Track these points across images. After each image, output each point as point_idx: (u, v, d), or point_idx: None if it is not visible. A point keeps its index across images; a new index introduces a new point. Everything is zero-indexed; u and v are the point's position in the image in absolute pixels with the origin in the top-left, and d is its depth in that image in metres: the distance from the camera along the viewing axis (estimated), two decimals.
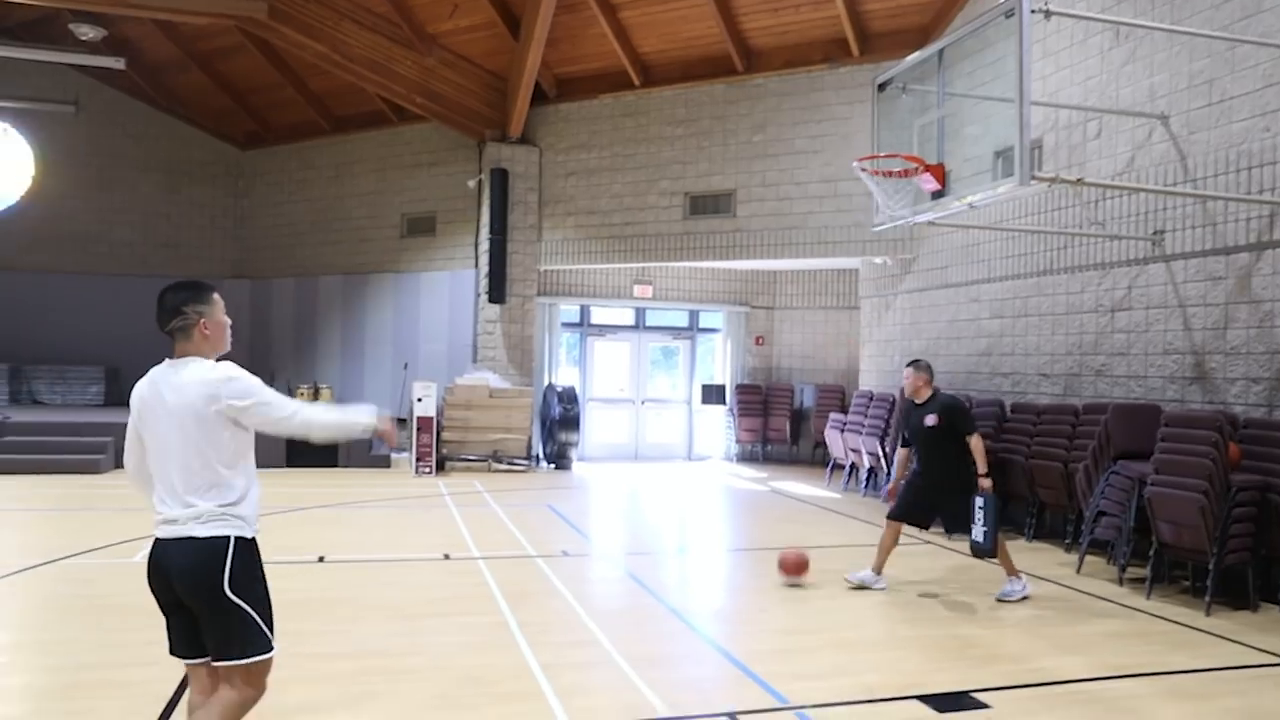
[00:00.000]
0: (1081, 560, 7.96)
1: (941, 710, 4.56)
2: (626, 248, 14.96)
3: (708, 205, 14.43)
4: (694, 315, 17.23)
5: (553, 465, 15.06)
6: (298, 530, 9.16)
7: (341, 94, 16.92)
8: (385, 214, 17.15)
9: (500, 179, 15.09)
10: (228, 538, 3.16)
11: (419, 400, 13.63)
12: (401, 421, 15.73)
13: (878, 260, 13.38)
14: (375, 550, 8.25)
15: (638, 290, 16.50)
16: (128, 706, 4.36)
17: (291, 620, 5.89)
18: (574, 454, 15.14)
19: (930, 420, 6.88)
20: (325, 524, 9.60)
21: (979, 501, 6.73)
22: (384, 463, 14.50)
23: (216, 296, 3.36)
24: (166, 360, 3.31)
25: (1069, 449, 8.83)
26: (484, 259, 15.39)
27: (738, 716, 4.41)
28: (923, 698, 4.70)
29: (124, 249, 18.65)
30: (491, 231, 15.06)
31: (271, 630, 3.23)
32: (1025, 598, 6.81)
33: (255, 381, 3.29)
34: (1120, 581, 7.39)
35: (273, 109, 18.15)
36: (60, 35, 16.35)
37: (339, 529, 9.36)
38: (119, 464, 13.19)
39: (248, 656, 3.16)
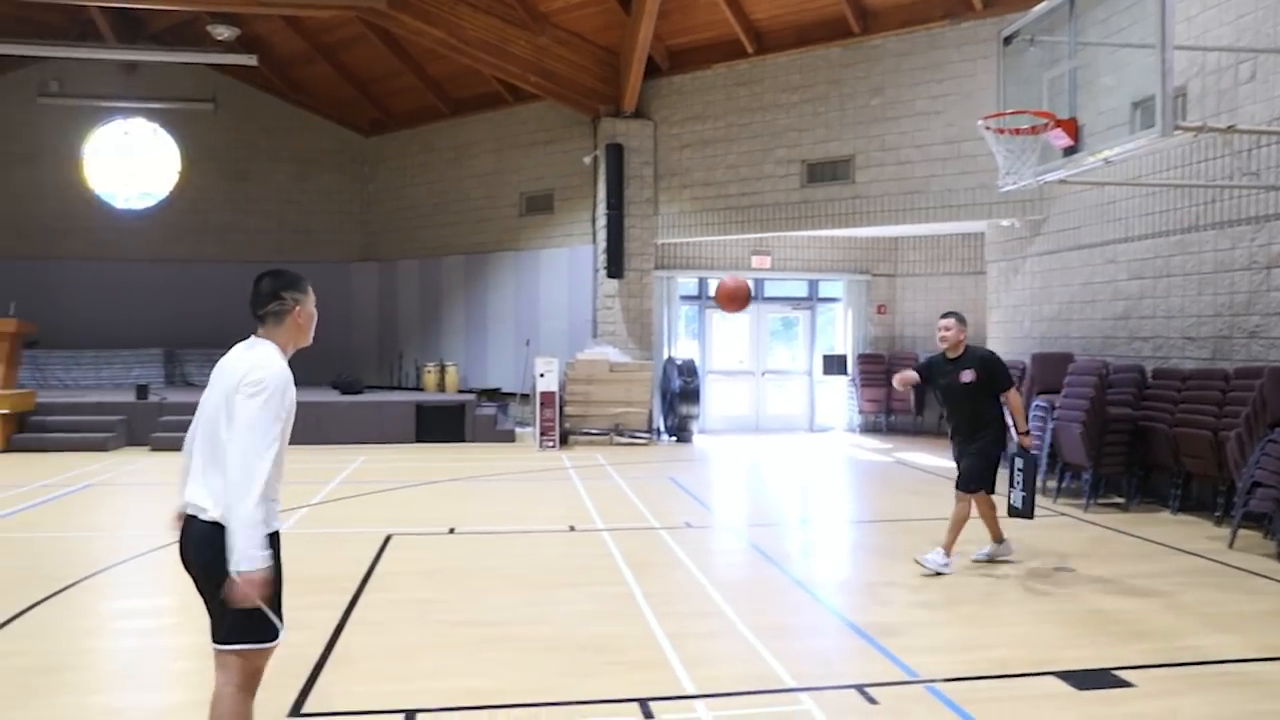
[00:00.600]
0: (1234, 534, 7.52)
1: (1081, 688, 4.39)
2: (743, 218, 14.83)
3: (825, 172, 14.15)
4: (813, 285, 16.97)
5: (674, 438, 15.14)
6: (428, 503, 9.50)
7: (459, 77, 17.27)
8: (504, 193, 17.47)
9: (615, 154, 15.16)
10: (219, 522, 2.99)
11: (541, 376, 13.89)
12: (525, 397, 16.10)
13: (1005, 223, 12.87)
14: (503, 522, 8.47)
15: (755, 261, 16.35)
16: (280, 666, 4.60)
17: (423, 589, 6.15)
18: (695, 427, 15.18)
19: (967, 376, 6.49)
20: (454, 497, 9.91)
21: (1018, 463, 6.59)
22: (509, 437, 14.85)
23: (311, 288, 3.43)
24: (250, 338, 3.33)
25: (1219, 416, 8.33)
26: (601, 234, 15.52)
27: (865, 689, 4.36)
28: (1060, 674, 4.54)
29: (260, 236, 19.58)
30: (608, 207, 15.17)
31: (280, 621, 3.09)
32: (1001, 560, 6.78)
33: (274, 398, 3.08)
34: (1278, 557, 6.95)
35: (393, 96, 18.68)
36: (199, 37, 17.24)
37: (467, 501, 9.65)
38: None
39: (245, 643, 3.06)
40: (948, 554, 6.50)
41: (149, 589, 6.03)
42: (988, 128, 7.98)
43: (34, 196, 18.99)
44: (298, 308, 3.38)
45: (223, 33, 16.69)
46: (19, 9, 16.71)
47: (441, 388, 16.61)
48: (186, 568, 3.16)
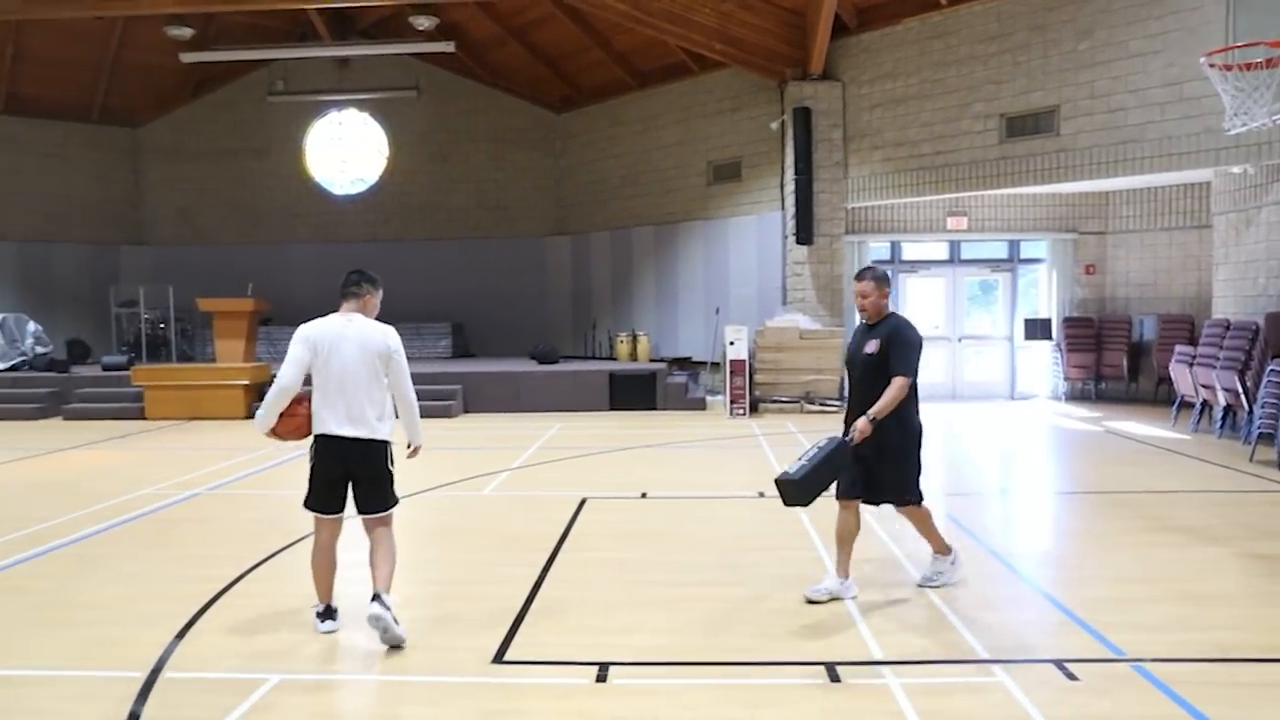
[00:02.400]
0: None
1: None
2: (938, 178, 14.26)
3: (1026, 125, 13.37)
4: (1014, 246, 16.12)
5: None
6: (622, 468, 9.80)
7: (645, 49, 17.45)
8: (691, 163, 17.57)
9: (803, 118, 14.92)
10: (389, 440, 4.80)
11: (731, 344, 13.95)
12: (715, 366, 16.23)
13: (1236, 169, 11.74)
14: (694, 488, 8.64)
15: (951, 223, 15.70)
16: (485, 617, 4.95)
17: (619, 550, 6.39)
18: None
19: (871, 347, 5.18)
20: (646, 463, 10.18)
21: (824, 442, 5.17)
22: (699, 405, 15.04)
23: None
24: (339, 313, 4.90)
25: None
26: (790, 200, 15.35)
27: (1065, 664, 4.20)
28: None
29: (460, 214, 20.62)
30: (796, 172, 14.97)
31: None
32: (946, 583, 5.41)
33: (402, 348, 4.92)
34: None
35: (582, 71, 19.10)
36: (402, 29, 18.24)
37: (659, 467, 9.89)
38: (469, 408, 14.78)
39: (389, 509, 4.83)
40: (946, 552, 5.45)
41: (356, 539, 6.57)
42: (1212, 64, 7.31)
43: (265, 187, 20.81)
44: (369, 295, 5.08)
45: (423, 23, 17.61)
46: (251, 17, 18.30)
47: (633, 357, 17.00)
48: (337, 469, 4.74)
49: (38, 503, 8.15)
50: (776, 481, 5.11)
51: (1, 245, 19.26)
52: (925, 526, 5.42)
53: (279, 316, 18.44)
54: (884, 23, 14.67)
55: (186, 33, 17.82)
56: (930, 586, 5.38)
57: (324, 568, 4.84)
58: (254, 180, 20.84)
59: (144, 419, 14.45)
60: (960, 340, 16.27)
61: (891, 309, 5.33)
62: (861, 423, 5.01)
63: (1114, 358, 15.02)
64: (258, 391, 14.79)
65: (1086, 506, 7.79)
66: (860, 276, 5.31)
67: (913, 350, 5.17)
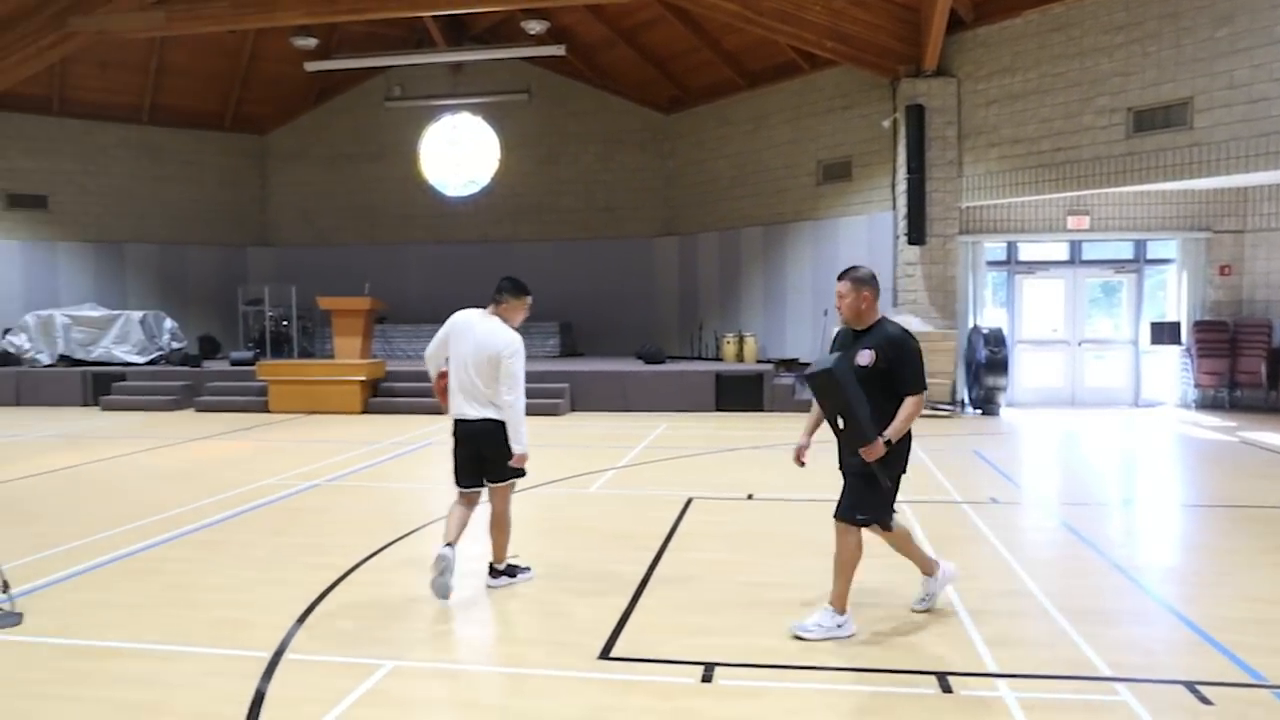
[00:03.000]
0: None
1: None
2: (1058, 176, 13.73)
3: (1156, 119, 12.75)
4: (1140, 246, 15.39)
5: (978, 410, 14.43)
6: (728, 469, 9.76)
7: (754, 49, 17.34)
8: (801, 162, 17.37)
9: (916, 115, 14.58)
10: (500, 421, 5.31)
11: None
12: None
13: None
14: (801, 490, 8.51)
15: (1072, 222, 15.09)
16: (592, 614, 4.99)
17: (723, 550, 6.36)
18: (1002, 399, 14.37)
19: (865, 358, 4.64)
20: (753, 464, 10.11)
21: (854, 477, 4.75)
22: (806, 407, 14.80)
23: (529, 300, 5.70)
24: (485, 310, 5.55)
25: None
26: (901, 200, 15.03)
27: (1196, 686, 3.99)
28: None
29: (569, 215, 20.89)
30: (909, 171, 14.64)
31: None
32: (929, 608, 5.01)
33: (520, 357, 5.39)
34: None
35: (691, 72, 19.10)
36: (514, 33, 18.61)
37: (765, 469, 9.80)
38: (576, 407, 14.95)
39: (507, 480, 5.45)
40: (841, 610, 4.69)
41: (477, 533, 6.72)
42: None
43: (382, 190, 21.51)
44: (506, 304, 5.58)
45: (534, 27, 17.92)
46: (370, 27, 18.95)
47: (740, 358, 16.91)
48: (469, 447, 5.41)
49: (171, 489, 8.62)
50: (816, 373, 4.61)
51: (144, 247, 20.46)
52: (903, 548, 5.01)
53: (394, 315, 19.06)
54: (1002, 16, 14.21)
55: (311, 43, 18.61)
56: (922, 610, 5.01)
57: (454, 519, 5.44)
58: (371, 183, 21.56)
59: (267, 412, 15.12)
60: (1080, 344, 15.62)
61: (881, 313, 4.83)
62: (877, 445, 4.50)
63: (1251, 364, 14.19)
64: (373, 388, 15.29)
65: (1219, 521, 7.38)
66: (840, 276, 4.84)
67: (920, 362, 4.67)
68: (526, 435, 5.33)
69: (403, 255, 20.85)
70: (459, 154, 21.45)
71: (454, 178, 21.49)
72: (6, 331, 17.85)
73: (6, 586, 5.12)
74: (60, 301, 18.98)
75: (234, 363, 17.31)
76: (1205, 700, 3.87)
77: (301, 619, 4.93)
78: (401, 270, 20.59)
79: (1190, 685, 4.01)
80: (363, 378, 15.08)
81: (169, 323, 18.36)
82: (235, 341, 20.25)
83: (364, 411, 14.95)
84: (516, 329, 5.53)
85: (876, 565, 5.91)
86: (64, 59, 17.90)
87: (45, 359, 17.33)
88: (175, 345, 18.15)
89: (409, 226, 21.45)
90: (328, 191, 21.84)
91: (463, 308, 6.02)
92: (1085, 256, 15.57)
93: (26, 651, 4.51)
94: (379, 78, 21.03)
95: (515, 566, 5.68)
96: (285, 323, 19.77)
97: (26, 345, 17.37)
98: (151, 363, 17.55)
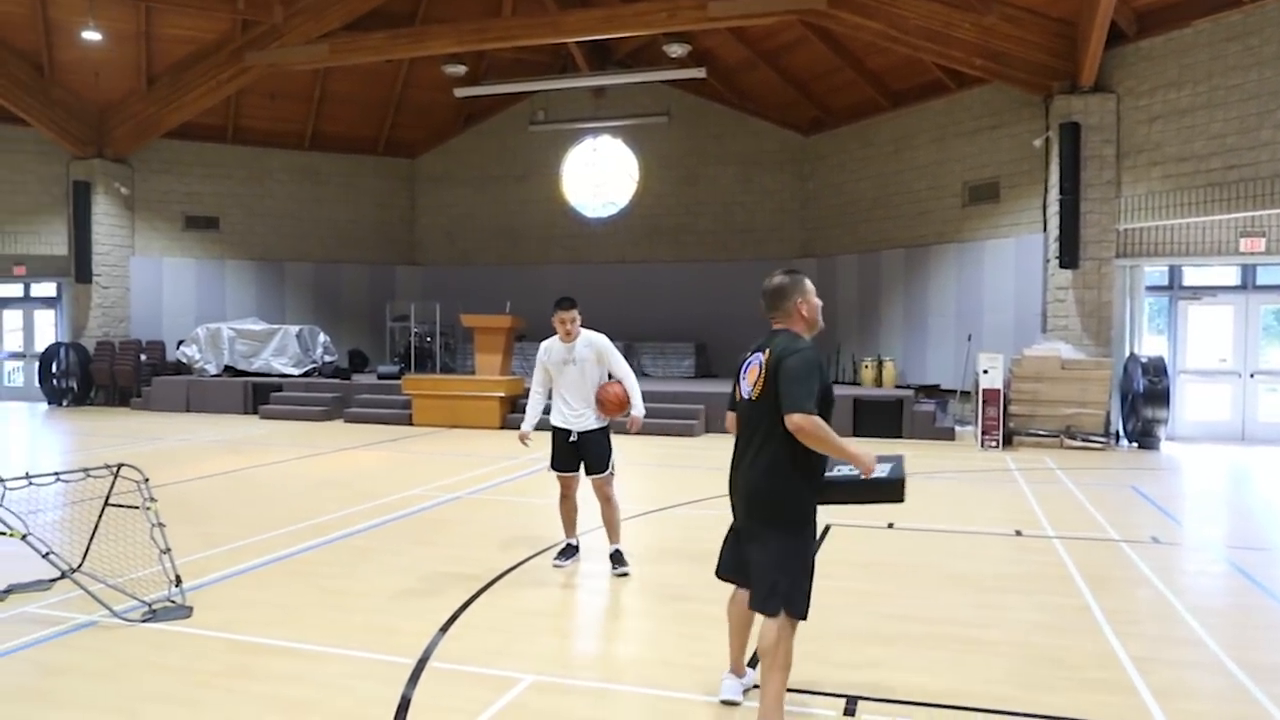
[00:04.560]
0: None
1: None
2: (1229, 195, 12.87)
3: None
4: None
5: (1135, 444, 13.61)
6: None
7: (898, 69, 17.01)
8: (946, 183, 16.90)
9: (1071, 134, 13.96)
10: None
11: (984, 372, 13.24)
12: (965, 395, 15.48)
13: None
14: (943, 521, 8.23)
15: (1245, 245, 14.09)
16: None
17: (863, 580, 6.18)
18: (1162, 432, 13.50)
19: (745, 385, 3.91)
20: None
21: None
22: (948, 435, 14.36)
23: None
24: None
25: None
26: (1053, 222, 14.40)
27: None
28: None
29: (707, 237, 20.92)
30: (1061, 192, 14.02)
31: (551, 459, 6.35)
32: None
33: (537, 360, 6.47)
34: None
35: (832, 93, 18.89)
36: (656, 57, 18.85)
37: (908, 498, 9.47)
38: (710, 428, 14.90)
39: (606, 470, 6.23)
40: (738, 673, 4.17)
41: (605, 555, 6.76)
42: None
43: (524, 211, 22.11)
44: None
45: (676, 50, 18.10)
46: (516, 53, 19.58)
47: (879, 382, 16.51)
48: (578, 452, 6.25)
49: (323, 496, 9.02)
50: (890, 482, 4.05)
51: (302, 265, 21.64)
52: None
53: (533, 333, 19.42)
54: (1168, 27, 13.46)
55: (460, 70, 19.37)
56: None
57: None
58: (514, 204, 22.19)
59: (411, 424, 15.67)
60: (1252, 376, 14.55)
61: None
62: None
63: None
64: (511, 404, 15.65)
65: None
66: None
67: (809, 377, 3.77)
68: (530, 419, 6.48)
69: (542, 275, 21.32)
70: (599, 176, 21.84)
71: (593, 199, 21.87)
72: (180, 343, 19.17)
73: (179, 581, 5.45)
74: (226, 316, 20.28)
75: (381, 376, 18.07)
76: None
77: (445, 628, 5.05)
78: (541, 290, 20.99)
79: None
80: (502, 394, 15.45)
81: (322, 337, 19.34)
82: (382, 356, 21.13)
83: (502, 427, 15.31)
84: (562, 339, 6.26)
85: (1028, 604, 5.63)
86: (238, 91, 19.20)
87: (212, 369, 18.52)
88: (327, 359, 19.10)
89: (549, 247, 21.95)
90: (471, 213, 22.59)
91: (599, 327, 6.23)
92: (1259, 281, 14.52)
93: (197, 643, 4.78)
94: (524, 102, 21.66)
95: None
96: (429, 339, 20.50)
97: (196, 356, 18.62)
98: (306, 374, 18.50)
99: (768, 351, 3.79)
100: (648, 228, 21.32)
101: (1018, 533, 7.70)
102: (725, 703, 4.07)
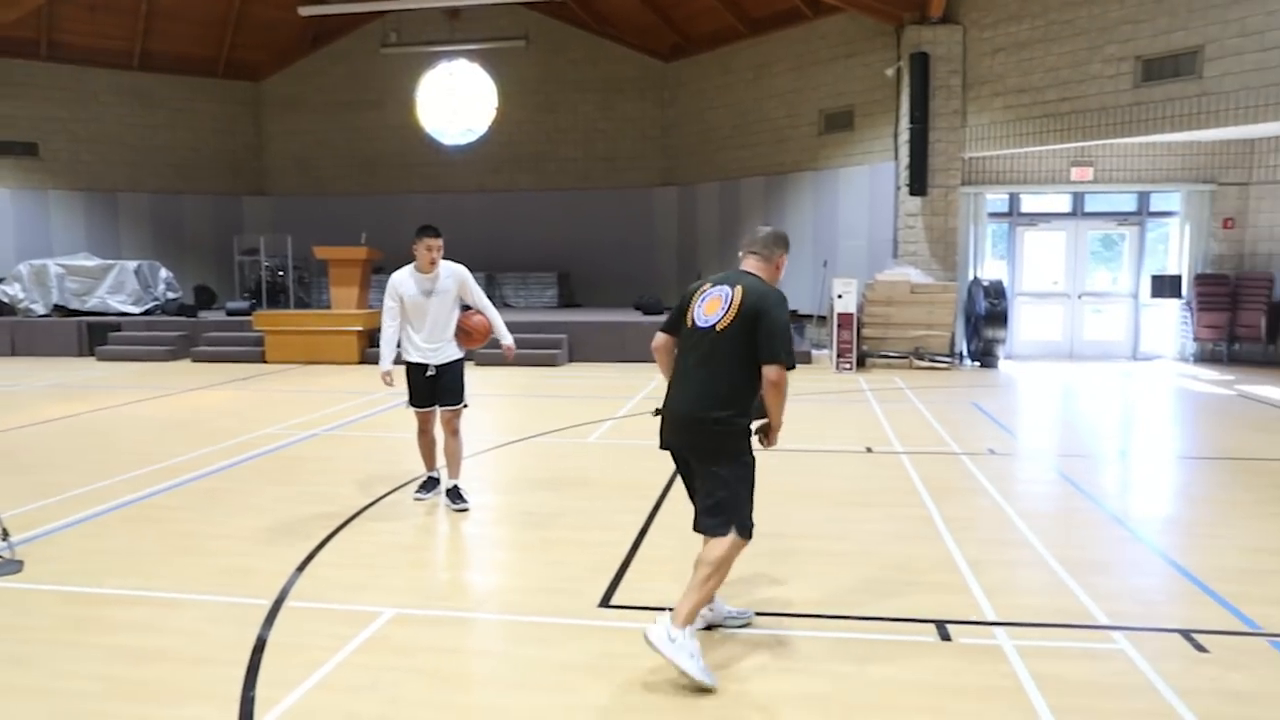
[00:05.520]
0: None
1: None
2: (1062, 126, 13.56)
3: (1165, 69, 12.56)
4: (1143, 198, 15.26)
5: (977, 363, 14.43)
6: None
7: None
8: (803, 112, 17.15)
9: (920, 64, 14.36)
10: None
11: (839, 297, 13.68)
12: (822, 319, 15.98)
13: None
14: (800, 441, 8.53)
15: (1075, 173, 14.94)
16: (592, 561, 5.01)
17: None
18: (1001, 352, 14.35)
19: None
20: None
21: None
22: (805, 359, 14.82)
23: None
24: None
25: None
26: (904, 150, 14.86)
27: (1193, 635, 4.01)
28: None
29: (568, 165, 20.68)
30: (912, 121, 14.46)
31: (409, 397, 6.22)
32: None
33: (386, 294, 6.22)
34: None
35: (692, 19, 18.78)
36: None
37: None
38: (574, 357, 14.93)
39: (461, 403, 6.16)
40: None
41: (478, 486, 6.73)
42: None
43: (379, 138, 21.27)
44: None
45: None
46: None
47: None
48: (435, 386, 6.07)
49: (170, 438, 8.61)
50: None
51: (138, 197, 20.25)
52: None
53: (391, 265, 18.82)
54: None
55: None
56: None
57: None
58: (368, 132, 21.31)
59: (264, 362, 15.09)
60: (1080, 297, 15.57)
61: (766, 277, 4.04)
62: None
63: (1251, 318, 14.16)
64: (370, 337, 15.24)
65: (1216, 473, 7.40)
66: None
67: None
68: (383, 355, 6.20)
69: (400, 205, 20.65)
70: (456, 102, 21.16)
71: (451, 126, 21.22)
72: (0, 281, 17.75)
73: (6, 534, 5.12)
74: (53, 251, 18.85)
75: (230, 313, 17.25)
76: (1201, 648, 3.89)
77: (302, 566, 4.94)
78: (399, 220, 20.31)
79: (1186, 633, 4.03)
80: (360, 328, 15.03)
81: (164, 273, 18.25)
82: (231, 292, 20.15)
83: (361, 361, 14.92)
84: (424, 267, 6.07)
85: (879, 516, 5.94)
86: (50, 0, 17.57)
87: (40, 309, 17.25)
88: (171, 295, 18.07)
89: (406, 176, 21.24)
90: (323, 140, 21.58)
91: (459, 258, 6.09)
92: (1088, 208, 15.45)
93: (27, 598, 4.52)
94: (375, 23, 20.66)
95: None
96: (281, 273, 19.65)
97: (20, 295, 17.27)
98: (147, 313, 17.47)
99: (739, 289, 3.81)
100: (508, 155, 20.89)
101: (869, 450, 8.07)
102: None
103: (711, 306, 3.85)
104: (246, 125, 21.70)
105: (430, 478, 6.39)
